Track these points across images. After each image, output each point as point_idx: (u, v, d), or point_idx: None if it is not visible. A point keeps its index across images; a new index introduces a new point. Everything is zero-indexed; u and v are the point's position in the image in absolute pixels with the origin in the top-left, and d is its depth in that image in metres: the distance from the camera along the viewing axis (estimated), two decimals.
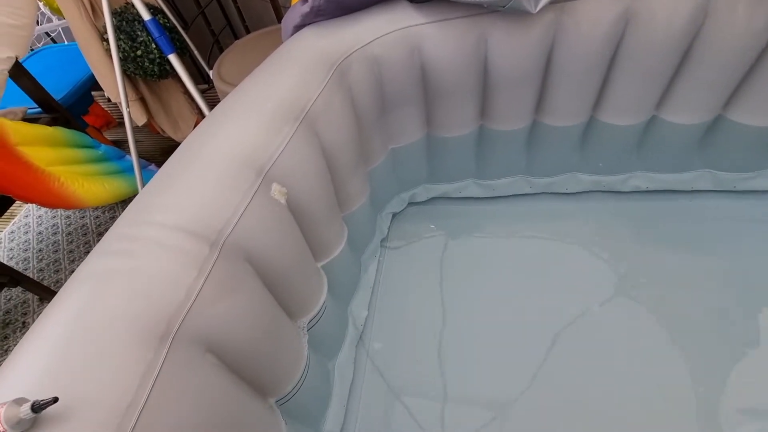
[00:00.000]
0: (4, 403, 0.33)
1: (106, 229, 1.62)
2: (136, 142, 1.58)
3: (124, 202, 1.69)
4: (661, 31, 0.76)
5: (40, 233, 1.70)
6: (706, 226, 1.01)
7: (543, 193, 1.14)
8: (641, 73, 0.84)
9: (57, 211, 1.77)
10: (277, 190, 0.62)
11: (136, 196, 0.60)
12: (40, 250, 1.63)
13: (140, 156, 1.52)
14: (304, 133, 0.68)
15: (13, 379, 0.40)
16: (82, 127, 1.60)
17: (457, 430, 0.82)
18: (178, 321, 0.45)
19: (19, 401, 0.34)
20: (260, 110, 0.66)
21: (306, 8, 0.82)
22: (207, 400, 0.47)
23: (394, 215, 1.18)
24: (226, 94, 1.30)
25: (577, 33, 0.79)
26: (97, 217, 1.71)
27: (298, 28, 0.87)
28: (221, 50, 1.78)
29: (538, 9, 0.73)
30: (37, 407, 0.33)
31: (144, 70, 1.37)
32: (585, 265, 1.01)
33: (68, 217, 1.74)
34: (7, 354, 1.33)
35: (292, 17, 0.88)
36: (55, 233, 1.68)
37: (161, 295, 0.45)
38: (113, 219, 1.68)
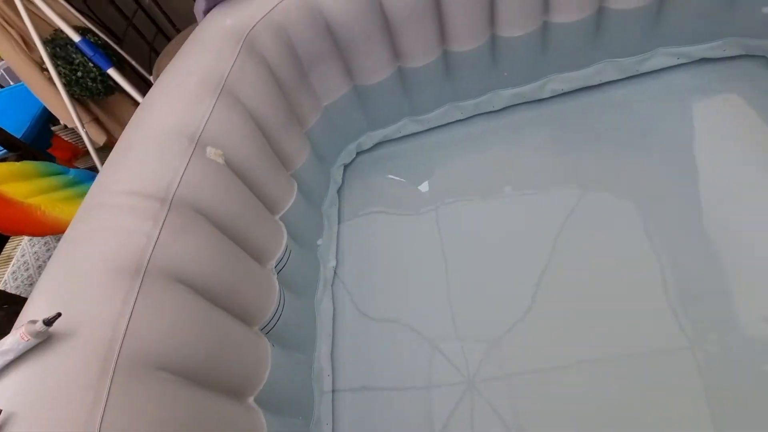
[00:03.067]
0: (23, 324, 0.45)
1: None
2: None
3: None
4: None
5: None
6: (625, 111, 1.11)
7: (474, 115, 1.24)
8: None
9: (49, 244, 1.88)
10: (213, 153, 0.73)
11: (97, 174, 0.71)
12: (17, 287, 1.75)
13: None
14: (226, 102, 0.79)
15: (31, 312, 0.52)
16: (50, 159, 1.68)
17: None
18: (146, 259, 0.57)
19: (34, 321, 0.46)
20: (185, 86, 0.76)
21: None
22: (186, 319, 0.59)
23: (346, 166, 1.29)
24: None
25: None
26: None
27: (207, 11, 0.95)
28: None
29: None
30: (47, 321, 0.46)
31: (89, 90, 1.44)
32: (536, 175, 1.08)
33: (35, 253, 1.85)
34: None
35: (199, 2, 0.97)
36: (27, 269, 1.80)
37: (125, 242, 0.57)
38: None
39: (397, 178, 1.25)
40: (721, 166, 0.95)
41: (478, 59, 1.10)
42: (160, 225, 0.60)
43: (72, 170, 1.55)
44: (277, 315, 0.82)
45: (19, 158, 1.53)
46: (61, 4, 1.35)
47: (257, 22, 0.88)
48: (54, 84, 1.36)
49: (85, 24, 1.41)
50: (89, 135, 1.58)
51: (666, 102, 1.09)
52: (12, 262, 1.89)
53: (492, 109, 1.23)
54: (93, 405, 0.44)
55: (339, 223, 1.20)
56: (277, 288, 0.84)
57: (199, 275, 0.64)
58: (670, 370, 0.76)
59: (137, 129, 0.72)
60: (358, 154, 1.31)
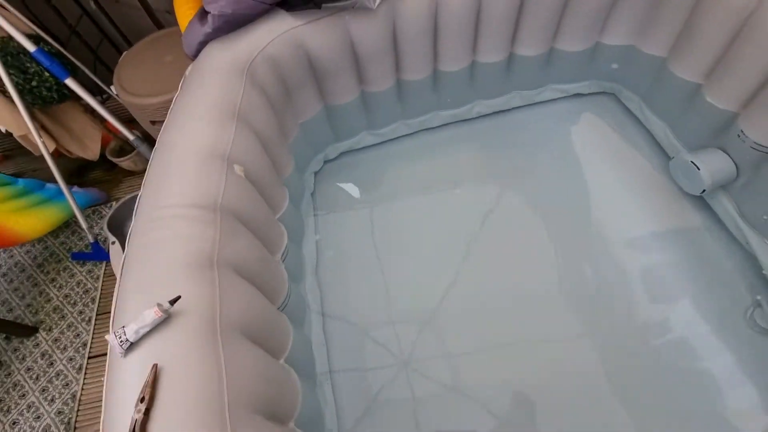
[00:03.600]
0: (155, 305, 0.62)
1: (45, 259, 1.71)
2: (36, 170, 1.64)
3: (53, 232, 1.75)
4: (456, 6, 1.16)
5: (4, 274, 1.68)
6: (526, 129, 1.51)
7: (419, 130, 1.55)
8: (454, 33, 1.24)
9: (11, 250, 1.74)
10: (238, 169, 0.91)
11: (142, 193, 0.84)
12: None
13: (50, 180, 1.60)
14: (241, 126, 0.96)
15: (129, 303, 0.67)
16: None
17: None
18: (215, 256, 0.75)
19: (160, 303, 0.63)
20: (208, 113, 0.92)
21: (208, 29, 1.05)
22: (248, 299, 0.78)
23: (316, 173, 1.50)
24: (133, 104, 1.46)
25: (407, 13, 1.14)
26: (28, 252, 1.74)
27: (203, 44, 1.09)
28: (104, 64, 1.83)
29: (376, 5, 1.07)
30: (172, 301, 0.63)
31: (43, 99, 1.43)
32: (463, 179, 1.43)
33: None
34: None
35: (194, 35, 1.10)
36: None
37: (198, 245, 0.75)
38: (46, 249, 1.74)
39: (353, 184, 1.50)
40: (589, 171, 1.38)
41: (424, 87, 1.39)
42: (218, 230, 0.78)
43: (20, 180, 1.51)
44: (287, 299, 1.03)
45: None
46: (13, 13, 1.32)
47: (256, 56, 1.05)
48: (4, 94, 1.34)
49: (36, 31, 1.38)
50: (33, 143, 1.55)
51: (553, 123, 1.51)
52: None
53: (432, 125, 1.55)
54: (215, 361, 0.63)
55: (315, 221, 1.41)
56: (285, 277, 1.04)
57: (245, 267, 0.83)
58: (572, 353, 1.09)
59: (172, 151, 0.87)
60: (325, 162, 1.52)
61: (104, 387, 0.64)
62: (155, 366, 0.59)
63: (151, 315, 0.62)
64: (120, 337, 0.61)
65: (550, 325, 1.14)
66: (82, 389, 1.40)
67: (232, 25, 1.07)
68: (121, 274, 0.75)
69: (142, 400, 0.57)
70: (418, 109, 1.47)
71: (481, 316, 1.18)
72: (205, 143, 0.88)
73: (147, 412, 0.56)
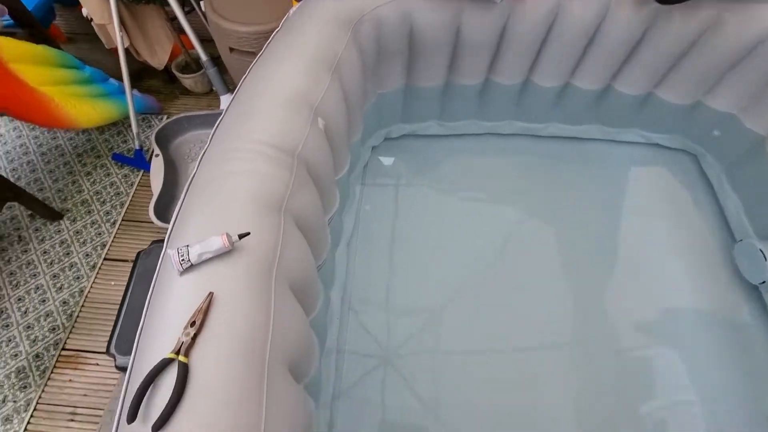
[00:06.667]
0: (223, 234, 0.60)
1: (85, 151, 1.71)
2: (94, 61, 1.62)
3: (99, 126, 1.74)
4: (577, 20, 1.10)
5: (7, 152, 1.69)
6: (594, 164, 1.46)
7: (487, 133, 1.50)
8: (562, 49, 1.18)
9: (22, 131, 1.75)
10: (321, 122, 0.88)
11: (222, 121, 0.82)
12: (14, 170, 1.65)
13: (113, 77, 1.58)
14: (334, 81, 0.93)
15: (190, 228, 0.66)
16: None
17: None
18: (284, 201, 0.73)
19: (228, 234, 0.61)
20: (306, 59, 0.89)
21: None
22: (301, 253, 0.76)
23: (374, 148, 1.47)
24: (218, 26, 1.42)
25: (524, 17, 1.09)
26: (71, 139, 1.74)
27: None
28: None
29: (501, 0, 1.02)
30: (241, 235, 0.61)
31: None
32: (507, 191, 1.40)
33: (36, 137, 1.74)
34: (9, 263, 1.44)
35: None
36: (26, 153, 1.69)
37: (272, 185, 0.72)
38: (89, 141, 1.73)
39: (404, 166, 1.47)
40: (645, 224, 1.34)
41: (510, 93, 1.34)
42: (293, 176, 0.76)
43: (87, 67, 1.49)
44: (324, 261, 1.01)
45: (30, 38, 1.43)
46: None
47: (366, 14, 1.01)
48: None
49: None
50: (109, 35, 1.53)
51: (624, 165, 1.46)
52: (1, 141, 1.72)
53: (502, 132, 1.50)
54: (267, 307, 0.62)
55: (359, 195, 1.39)
56: (329, 237, 1.02)
57: (304, 220, 0.81)
58: (554, 359, 1.10)
59: (264, 88, 0.84)
60: (385, 139, 1.49)
61: (149, 296, 0.63)
62: (211, 295, 0.58)
63: (218, 243, 0.60)
64: (182, 256, 0.60)
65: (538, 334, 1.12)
66: (91, 287, 1.40)
67: None
68: (186, 194, 0.73)
69: (192, 324, 0.55)
70: (495, 113, 1.43)
71: (472, 336, 1.16)
72: (298, 88, 0.85)
73: (194, 337, 0.55)
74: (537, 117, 1.43)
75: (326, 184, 0.96)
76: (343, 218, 1.27)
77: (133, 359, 0.57)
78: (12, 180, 1.62)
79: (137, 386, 0.51)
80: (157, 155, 1.50)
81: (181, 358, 0.53)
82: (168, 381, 0.52)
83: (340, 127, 0.99)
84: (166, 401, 0.50)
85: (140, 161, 1.61)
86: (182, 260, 0.60)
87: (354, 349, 1.14)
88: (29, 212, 1.54)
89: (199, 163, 0.76)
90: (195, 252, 0.60)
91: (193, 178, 0.74)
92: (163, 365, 0.53)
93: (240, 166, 0.73)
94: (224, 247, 0.60)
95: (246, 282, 0.61)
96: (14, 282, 1.42)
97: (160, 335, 0.56)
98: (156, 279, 0.64)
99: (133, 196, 1.59)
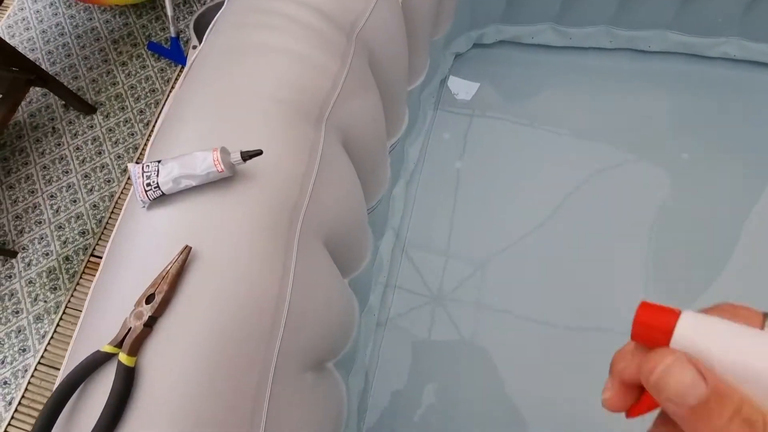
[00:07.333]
0: (216, 149, 0.34)
1: (121, 37, 1.48)
2: None
3: (137, 9, 1.50)
4: None
5: (44, 32, 1.52)
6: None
7: (621, 48, 1.07)
8: None
9: (58, 8, 1.56)
10: None
11: None
12: (49, 52, 1.49)
13: None
14: None
15: (213, 136, 0.40)
16: None
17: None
18: (329, 107, 0.45)
19: (225, 150, 0.35)
20: None
21: None
22: (345, 190, 0.49)
23: (457, 56, 1.11)
24: None
25: None
26: (107, 21, 1.52)
27: None
28: None
29: None
30: (246, 156, 0.35)
31: None
32: (610, 130, 1.01)
33: (72, 17, 1.54)
34: (43, 156, 1.33)
35: None
36: (62, 34, 1.51)
37: (312, 79, 0.44)
38: (126, 26, 1.51)
39: (491, 87, 1.10)
40: None
41: None
42: (347, 69, 0.47)
43: None
44: (379, 202, 0.74)
45: None
46: None
47: None
48: None
49: None
50: None
51: None
52: (8, 13, 1.57)
53: (644, 48, 1.06)
54: (283, 264, 0.37)
55: (430, 121, 1.06)
56: (389, 173, 0.75)
57: (355, 141, 0.52)
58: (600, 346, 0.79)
59: None
60: (474, 45, 1.11)
61: (111, 237, 0.41)
62: (187, 251, 0.34)
63: (207, 163, 0.34)
64: (149, 177, 0.35)
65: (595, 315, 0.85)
66: (121, 193, 1.27)
67: None
68: (183, 80, 0.47)
69: (149, 299, 0.32)
70: (640, 16, 0.98)
71: (533, 285, 0.90)
72: None
73: (150, 324, 0.32)
74: (705, 27, 0.97)
75: (395, 93, 0.66)
76: (407, 148, 0.97)
77: (71, 348, 0.36)
78: (48, 63, 1.47)
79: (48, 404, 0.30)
80: (194, 47, 1.24)
81: (122, 356, 0.30)
82: (100, 395, 0.30)
83: (423, 7, 0.65)
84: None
85: (177, 53, 1.37)
86: (148, 185, 0.35)
87: (403, 285, 0.92)
88: (63, 102, 1.39)
89: (209, 32, 0.49)
90: (169, 173, 0.35)
91: (196, 56, 0.48)
92: (95, 364, 0.30)
93: (265, 37, 0.44)
94: (216, 170, 0.34)
95: (249, 233, 0.36)
96: (47, 177, 1.31)
97: (101, 312, 0.34)
98: (123, 212, 0.41)
99: (168, 95, 1.38)
